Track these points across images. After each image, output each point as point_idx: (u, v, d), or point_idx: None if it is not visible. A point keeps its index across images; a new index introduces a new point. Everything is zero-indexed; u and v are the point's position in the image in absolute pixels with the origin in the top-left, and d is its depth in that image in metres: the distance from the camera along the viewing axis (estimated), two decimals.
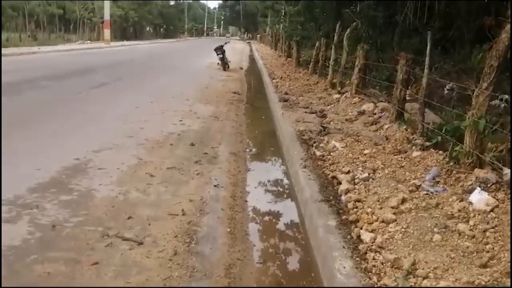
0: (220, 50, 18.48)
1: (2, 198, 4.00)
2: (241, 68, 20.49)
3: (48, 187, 4.40)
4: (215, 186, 4.80)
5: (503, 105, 5.20)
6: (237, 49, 37.65)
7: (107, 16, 38.97)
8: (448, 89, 6.43)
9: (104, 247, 3.29)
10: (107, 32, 38.80)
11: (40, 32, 36.46)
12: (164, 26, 75.81)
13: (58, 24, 40.06)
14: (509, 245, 3.05)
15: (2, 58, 17.33)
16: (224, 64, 18.60)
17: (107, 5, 38.85)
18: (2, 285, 2.52)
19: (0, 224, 3.50)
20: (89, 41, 39.03)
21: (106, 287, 2.77)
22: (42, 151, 5.60)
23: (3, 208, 3.82)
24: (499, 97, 5.07)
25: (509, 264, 2.85)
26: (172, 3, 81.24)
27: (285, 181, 5.77)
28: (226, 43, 20.36)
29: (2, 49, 21.16)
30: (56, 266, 3.00)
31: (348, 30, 11.47)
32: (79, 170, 4.97)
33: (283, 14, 27.14)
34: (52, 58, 20.63)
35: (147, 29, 67.88)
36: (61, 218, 3.73)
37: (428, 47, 5.78)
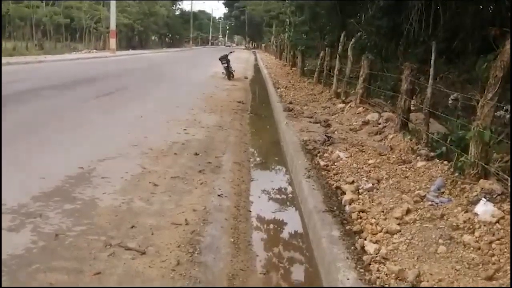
0: (225, 59, 18.56)
1: (6, 206, 4.01)
2: (246, 78, 20.55)
3: (52, 195, 4.40)
4: (218, 195, 4.79)
5: (508, 116, 5.17)
6: (242, 58, 37.77)
7: (113, 26, 39.27)
8: (452, 99, 6.42)
9: (107, 256, 3.28)
10: (112, 41, 39.04)
11: (47, 41, 36.72)
12: (170, 35, 76.26)
13: (64, 33, 40.34)
14: None
15: (9, 67, 17.49)
16: (229, 73, 18.66)
17: (113, 14, 39.17)
18: (2, 285, 2.50)
19: (0, 227, 3.47)
20: (95, 50, 39.31)
21: (108, 287, 2.71)
22: (47, 159, 5.61)
23: (7, 216, 3.82)
24: (504, 108, 5.05)
25: None
26: (177, 13, 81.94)
27: (289, 191, 5.76)
28: (230, 52, 20.42)
29: (9, 58, 21.36)
30: (58, 276, 2.99)
31: (353, 40, 11.51)
32: (83, 178, 4.97)
33: (288, 23, 27.24)
34: (58, 67, 20.77)
35: (153, 38, 68.24)
36: (64, 227, 3.72)
37: (433, 58, 5.77)
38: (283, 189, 5.85)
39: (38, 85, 12.98)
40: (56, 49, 34.41)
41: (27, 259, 3.18)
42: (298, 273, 3.67)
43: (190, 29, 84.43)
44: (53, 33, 38.68)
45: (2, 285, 2.52)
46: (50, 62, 23.68)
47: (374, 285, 2.75)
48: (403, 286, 2.41)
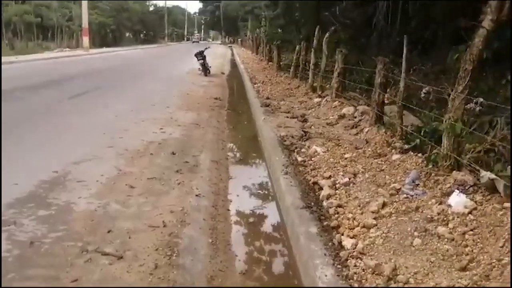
0: (200, 55, 18.43)
1: None
2: (223, 73, 20.47)
3: (26, 202, 4.32)
4: (196, 195, 4.77)
5: (478, 108, 5.27)
6: (218, 53, 37.61)
7: (85, 24, 38.55)
8: (424, 93, 6.51)
9: (83, 262, 3.24)
10: (85, 40, 38.38)
11: (18, 40, 35.82)
12: (144, 32, 75.26)
13: (35, 32, 39.35)
14: (487, 247, 3.09)
15: None
16: (205, 69, 18.55)
17: (85, 12, 38.41)
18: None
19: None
20: (67, 49, 38.55)
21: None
22: (20, 164, 5.49)
23: None
24: (474, 100, 5.14)
25: (488, 267, 2.88)
26: (151, 8, 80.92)
27: (267, 188, 5.77)
28: (206, 48, 20.25)
29: None
30: (35, 284, 2.95)
31: (327, 33, 11.55)
32: (57, 183, 4.89)
33: (264, 18, 27.22)
34: (31, 67, 20.32)
35: (127, 35, 67.13)
36: (40, 234, 3.66)
37: (404, 51, 5.84)
38: (261, 187, 5.86)
39: (10, 86, 12.67)
40: (27, 49, 33.57)
41: (3, 269, 3.11)
42: (277, 272, 3.68)
43: (165, 25, 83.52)
44: (24, 32, 37.69)
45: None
46: (21, 63, 23.14)
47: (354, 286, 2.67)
48: (380, 287, 2.44)
